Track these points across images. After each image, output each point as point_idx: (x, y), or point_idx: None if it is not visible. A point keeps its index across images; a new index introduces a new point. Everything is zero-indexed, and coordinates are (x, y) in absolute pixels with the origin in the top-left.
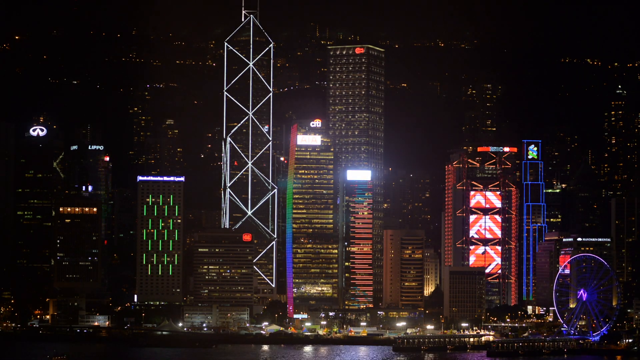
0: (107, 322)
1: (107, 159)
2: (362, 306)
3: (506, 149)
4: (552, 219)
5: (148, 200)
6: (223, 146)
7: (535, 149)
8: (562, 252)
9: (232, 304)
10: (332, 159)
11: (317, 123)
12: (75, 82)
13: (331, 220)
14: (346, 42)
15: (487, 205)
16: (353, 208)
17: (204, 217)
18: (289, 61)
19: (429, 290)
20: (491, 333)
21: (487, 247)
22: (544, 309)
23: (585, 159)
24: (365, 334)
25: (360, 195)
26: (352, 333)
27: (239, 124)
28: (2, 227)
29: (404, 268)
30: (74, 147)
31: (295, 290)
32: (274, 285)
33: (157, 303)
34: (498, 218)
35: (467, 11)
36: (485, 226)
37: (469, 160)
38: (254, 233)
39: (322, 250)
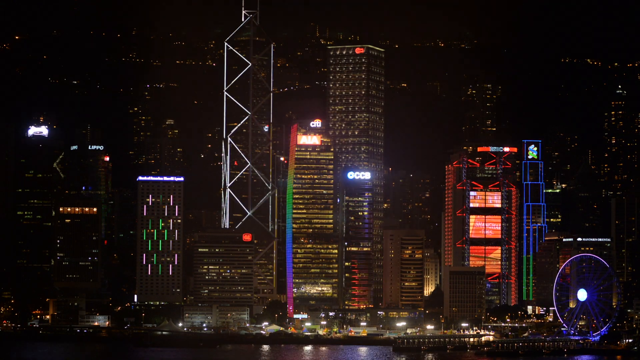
0: (107, 322)
1: (107, 159)
2: (362, 306)
3: (506, 149)
4: (552, 219)
5: (148, 200)
6: (223, 146)
7: (535, 149)
8: (562, 252)
9: (232, 304)
10: (332, 159)
11: (317, 123)
12: (75, 82)
13: (331, 220)
14: (346, 42)
15: (487, 205)
16: (353, 208)
17: (204, 217)
18: (289, 61)
19: (429, 290)
20: (491, 333)
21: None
22: (544, 309)
23: (585, 159)
24: (365, 334)
25: (360, 195)
26: (352, 333)
27: (239, 124)
28: (2, 227)
29: (404, 268)
30: (74, 147)
31: (295, 290)
32: (274, 285)
33: (157, 303)
34: (498, 218)
35: (467, 11)
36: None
37: (469, 160)
38: (254, 233)
39: (322, 250)
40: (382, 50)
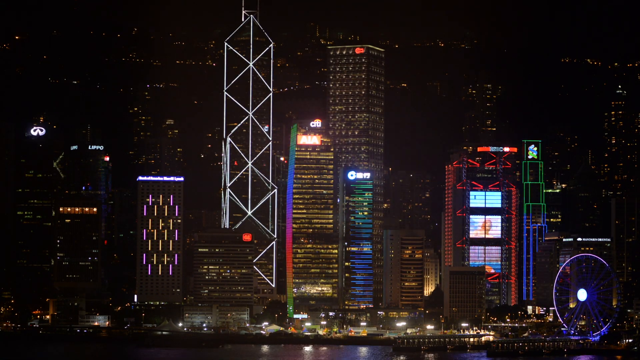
0: (107, 322)
1: (107, 159)
2: (362, 306)
3: (506, 149)
4: (552, 219)
5: (148, 200)
6: (223, 146)
7: (535, 149)
8: (562, 252)
9: (232, 304)
10: (332, 159)
11: (317, 123)
12: (75, 82)
13: (331, 220)
14: (346, 42)
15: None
16: (353, 208)
17: (204, 217)
18: (289, 61)
19: (429, 290)
20: (491, 333)
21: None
22: (544, 309)
23: (585, 159)
24: (365, 334)
25: (360, 195)
26: (352, 333)
27: (239, 124)
28: (2, 227)
29: (404, 268)
30: (74, 147)
31: (295, 290)
32: (274, 285)
33: (157, 303)
34: (498, 218)
35: (466, 11)
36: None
37: (469, 160)
38: (254, 233)
39: (322, 250)
40: (382, 50)
